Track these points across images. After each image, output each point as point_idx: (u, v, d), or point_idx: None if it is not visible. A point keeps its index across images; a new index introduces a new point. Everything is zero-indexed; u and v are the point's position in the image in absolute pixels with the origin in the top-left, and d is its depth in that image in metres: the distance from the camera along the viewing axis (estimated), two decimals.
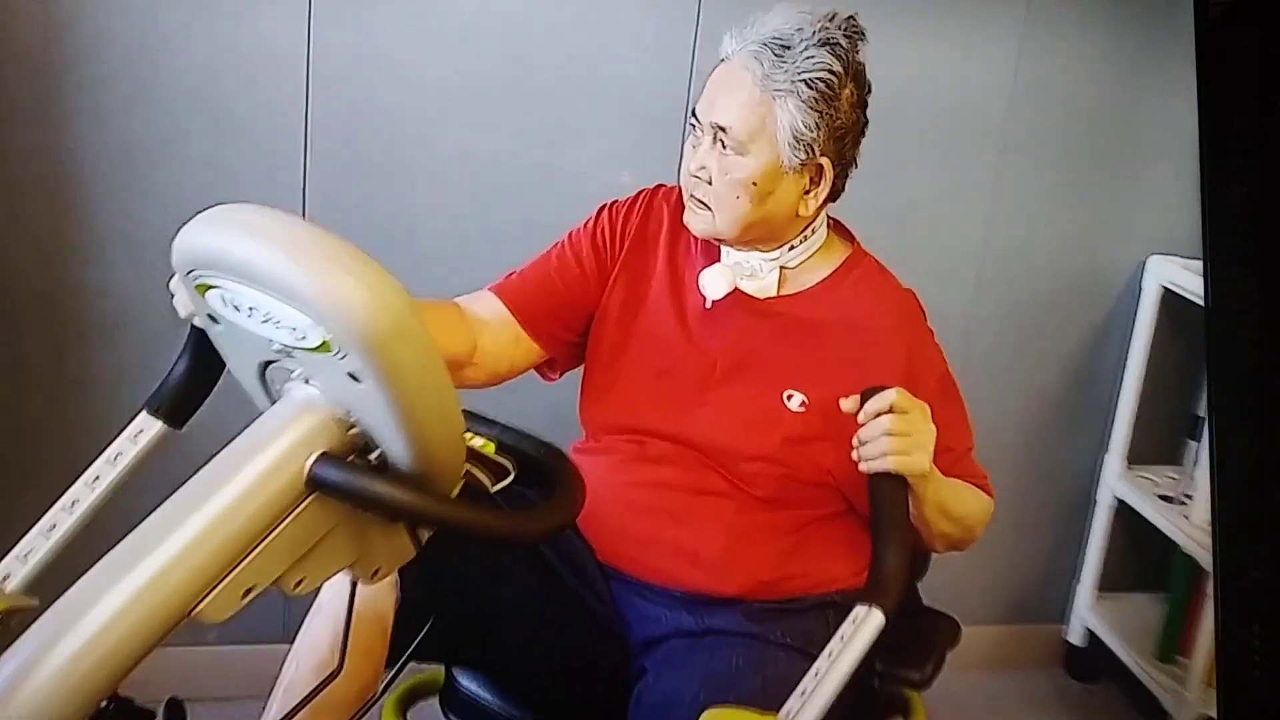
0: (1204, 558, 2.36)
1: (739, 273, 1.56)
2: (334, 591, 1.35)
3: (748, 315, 1.57)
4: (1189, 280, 2.42)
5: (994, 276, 2.51)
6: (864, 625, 1.24)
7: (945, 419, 1.46)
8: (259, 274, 0.85)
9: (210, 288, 0.91)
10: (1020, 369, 2.60)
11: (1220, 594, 1.13)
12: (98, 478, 1.20)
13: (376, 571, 1.03)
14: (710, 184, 1.50)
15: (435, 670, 1.69)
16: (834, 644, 1.22)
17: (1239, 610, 1.07)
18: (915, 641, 1.55)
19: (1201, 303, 2.31)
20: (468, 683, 1.61)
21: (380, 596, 1.38)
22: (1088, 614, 2.73)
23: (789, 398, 1.54)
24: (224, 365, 1.10)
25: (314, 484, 0.90)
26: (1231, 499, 1.05)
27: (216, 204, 0.90)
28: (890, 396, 1.37)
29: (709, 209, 1.52)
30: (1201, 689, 2.38)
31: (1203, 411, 2.52)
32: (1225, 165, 1.03)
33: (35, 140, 2.02)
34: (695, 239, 1.61)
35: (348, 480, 0.90)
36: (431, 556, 1.07)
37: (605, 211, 1.69)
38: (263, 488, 0.89)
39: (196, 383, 1.24)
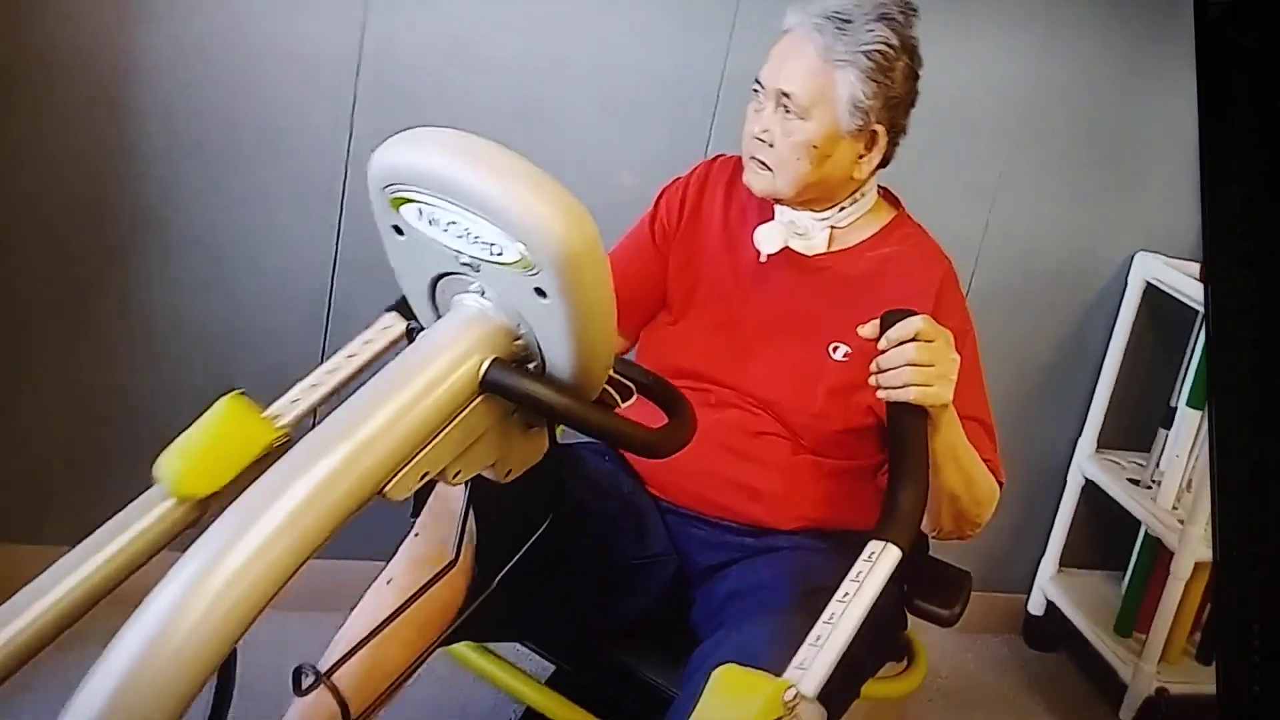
0: (1169, 539, 2.51)
1: (791, 231, 1.67)
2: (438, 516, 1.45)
3: (797, 272, 1.68)
4: (1172, 277, 2.56)
5: (988, 263, 2.62)
6: (880, 561, 1.24)
7: (972, 391, 1.55)
8: (471, 194, 0.94)
9: (407, 201, 1.01)
10: (1005, 352, 2.72)
11: (1220, 594, 1.17)
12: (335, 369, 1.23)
13: (509, 472, 1.14)
14: (772, 146, 1.61)
15: None
16: (848, 585, 1.22)
17: (1238, 610, 1.05)
18: (941, 584, 1.66)
19: (1183, 299, 2.48)
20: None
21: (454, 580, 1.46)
22: (1049, 586, 2.89)
23: (834, 349, 1.64)
24: None
25: (487, 385, 1.01)
26: (1231, 499, 1.02)
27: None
28: (916, 324, 1.37)
29: (770, 170, 1.62)
30: (1158, 663, 2.54)
31: (1175, 402, 2.67)
32: (1225, 165, 0.98)
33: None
34: (749, 202, 1.72)
35: (518, 383, 1.01)
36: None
37: (662, 197, 1.81)
38: (443, 386, 0.99)
39: None
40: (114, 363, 2.24)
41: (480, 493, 1.22)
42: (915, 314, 1.39)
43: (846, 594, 1.20)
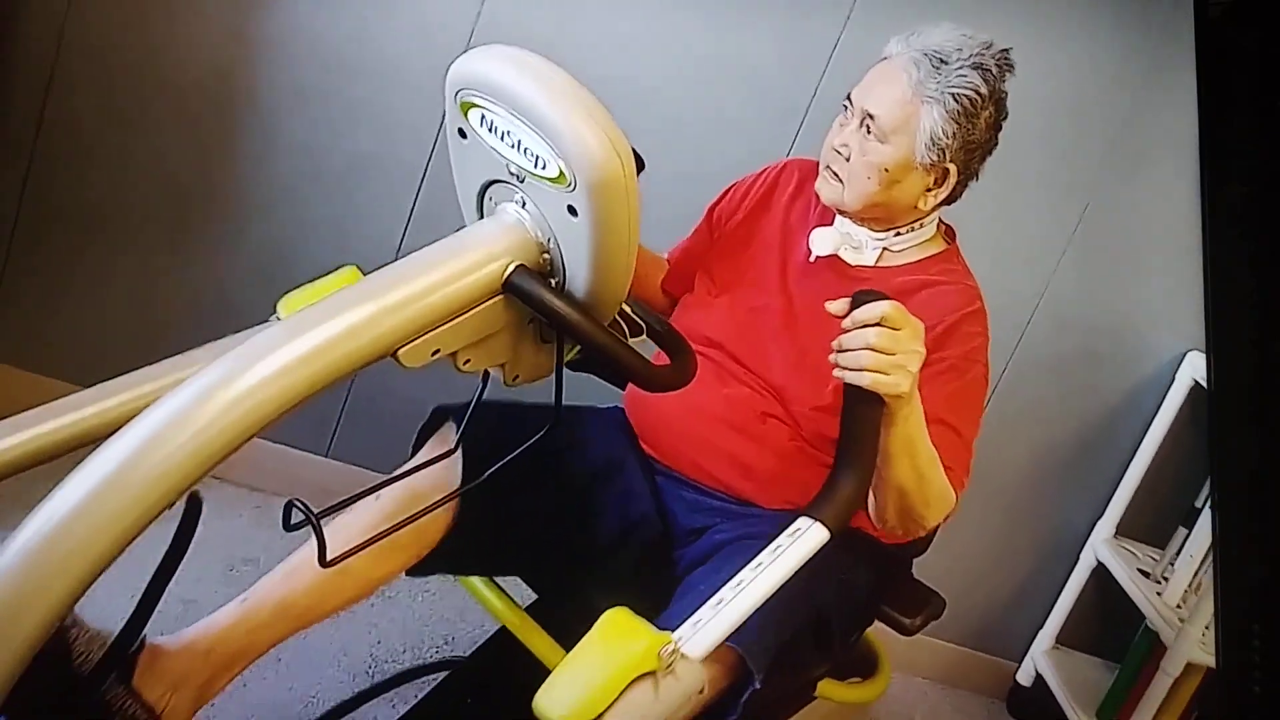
0: (1167, 634, 2.53)
1: (846, 242, 1.75)
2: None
3: (836, 277, 1.75)
4: None
5: (1040, 327, 2.66)
6: (804, 538, 1.27)
7: (954, 395, 1.60)
8: (526, 105, 1.05)
9: (474, 106, 1.11)
10: (1042, 418, 2.75)
11: (1220, 593, 1.12)
12: None
13: (516, 377, 1.23)
14: (848, 160, 1.69)
15: None
16: (765, 555, 1.24)
17: (1239, 609, 1.06)
18: (912, 597, 1.72)
19: None
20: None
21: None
22: (1041, 659, 2.91)
23: None
24: None
25: (508, 287, 1.11)
26: (1232, 496, 1.05)
27: None
28: (882, 308, 1.36)
29: (841, 182, 1.70)
30: None
31: (1199, 503, 2.69)
32: (1225, 165, 1.00)
33: None
34: (813, 205, 1.81)
35: (536, 290, 1.10)
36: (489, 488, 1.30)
37: (730, 189, 1.92)
38: (470, 276, 1.10)
39: None
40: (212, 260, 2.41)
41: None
42: (886, 301, 1.37)
43: (760, 563, 1.23)
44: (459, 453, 1.51)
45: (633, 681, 1.14)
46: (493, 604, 1.71)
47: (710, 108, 2.41)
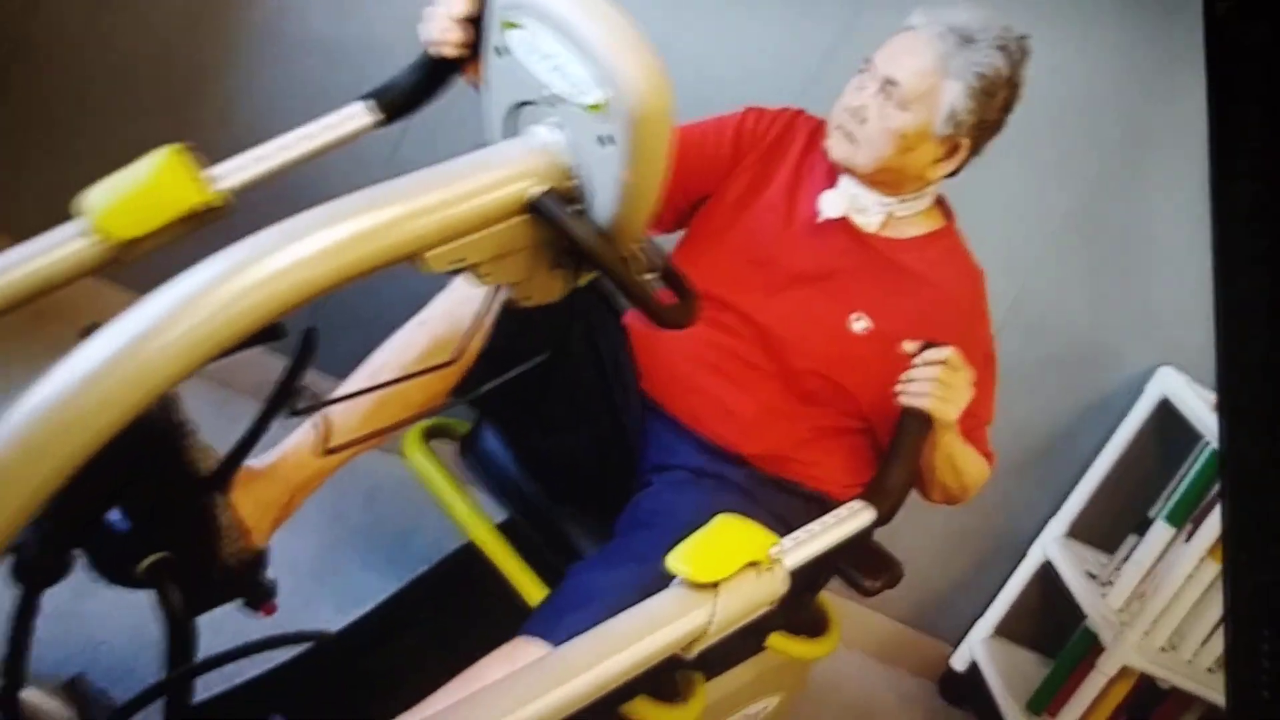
0: (1106, 635, 2.59)
1: (853, 204, 1.78)
2: (442, 309, 1.61)
3: (847, 240, 1.80)
4: (1189, 399, 2.62)
5: (1014, 328, 2.69)
6: (859, 515, 1.52)
7: (983, 391, 1.75)
8: (577, 31, 1.07)
9: (517, 26, 1.12)
10: (1010, 418, 2.78)
11: (1230, 597, 1.13)
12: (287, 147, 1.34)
13: (528, 297, 1.26)
14: (864, 123, 1.73)
15: (460, 421, 1.93)
16: (829, 517, 1.47)
17: (1248, 613, 1.07)
18: (873, 561, 1.77)
19: (1193, 422, 2.56)
20: (490, 441, 1.84)
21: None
22: (979, 646, 2.97)
23: (856, 319, 1.78)
24: (440, 88, 1.42)
25: (532, 208, 1.13)
26: (1241, 499, 1.06)
27: None
28: (948, 353, 1.64)
29: (854, 143, 1.74)
30: None
31: (1154, 514, 2.75)
32: (1234, 162, 1.00)
33: None
34: (819, 164, 1.84)
35: (560, 214, 1.13)
36: (517, 324, 1.35)
37: (750, 113, 1.92)
38: (497, 191, 1.12)
39: (419, 92, 1.45)
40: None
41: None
42: (949, 347, 1.64)
43: (825, 524, 1.47)
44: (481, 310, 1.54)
45: (746, 565, 1.30)
46: (464, 519, 1.73)
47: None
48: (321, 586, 2.19)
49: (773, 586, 1.35)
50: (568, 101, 1.11)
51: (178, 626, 1.32)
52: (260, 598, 1.46)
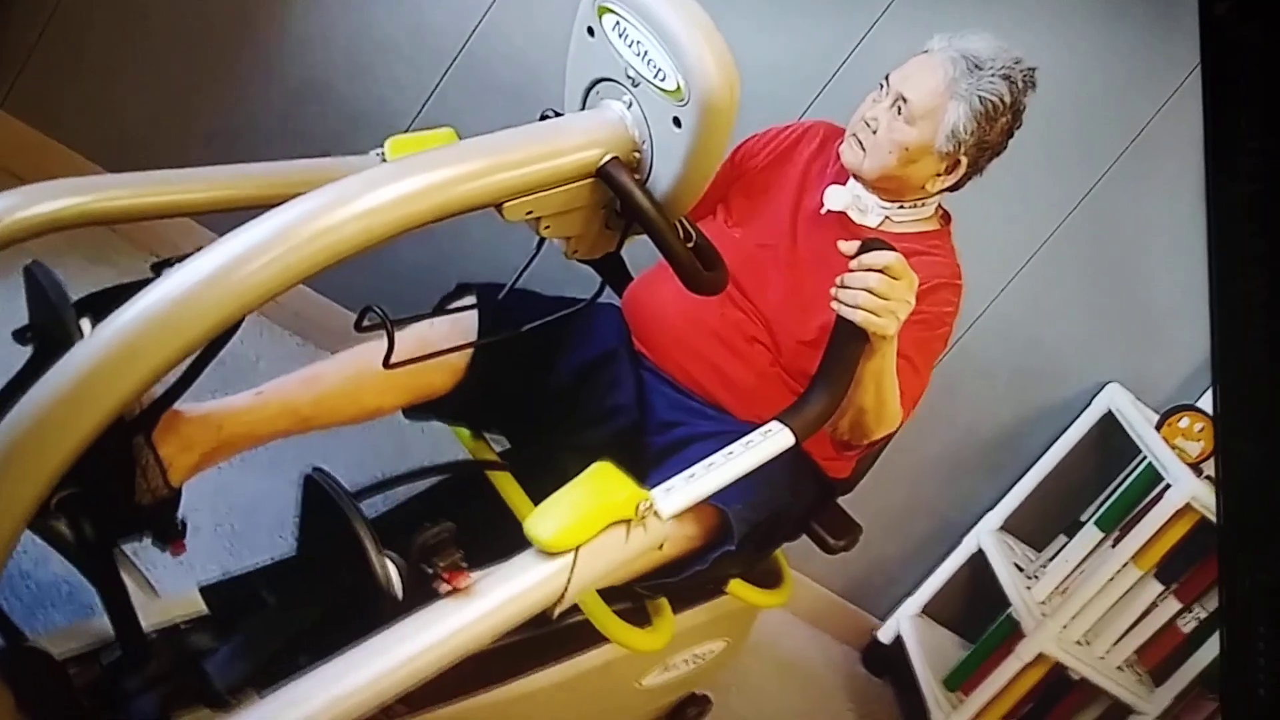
0: (1027, 623, 2.78)
1: (856, 203, 1.94)
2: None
3: (843, 232, 1.93)
4: (1133, 416, 2.80)
5: (984, 328, 2.85)
6: (774, 438, 1.47)
7: (919, 339, 1.83)
8: (665, 25, 1.21)
9: (610, 11, 1.26)
10: (963, 413, 2.96)
11: (1225, 596, 1.15)
12: None
13: (576, 251, 1.40)
14: (874, 133, 1.88)
15: None
16: (737, 446, 1.44)
17: (1243, 613, 1.07)
18: (838, 522, 1.93)
19: (1134, 438, 2.75)
20: None
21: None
22: (905, 622, 3.15)
23: None
24: None
25: (601, 173, 1.27)
26: (1236, 501, 1.07)
27: None
28: (887, 257, 1.54)
29: (864, 150, 1.89)
30: None
31: (1085, 518, 2.94)
32: (1231, 163, 1.00)
33: None
34: (831, 164, 1.99)
35: (625, 183, 1.27)
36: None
37: (754, 136, 2.09)
38: (571, 155, 1.27)
39: None
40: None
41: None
42: (893, 252, 1.56)
43: (732, 452, 1.43)
44: (475, 317, 1.72)
45: (610, 524, 1.29)
46: (471, 445, 1.87)
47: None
48: None
49: (649, 538, 1.35)
50: (647, 84, 1.24)
51: (86, 559, 1.36)
52: (169, 536, 1.47)
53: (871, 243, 1.57)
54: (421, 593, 1.14)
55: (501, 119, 1.30)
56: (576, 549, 1.26)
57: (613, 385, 1.89)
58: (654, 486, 1.38)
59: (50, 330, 1.25)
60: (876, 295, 1.53)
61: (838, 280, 1.57)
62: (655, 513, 1.33)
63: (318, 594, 1.25)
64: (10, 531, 1.03)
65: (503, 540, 1.28)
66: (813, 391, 1.56)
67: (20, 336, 1.32)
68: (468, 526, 1.73)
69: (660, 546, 1.39)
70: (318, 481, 1.19)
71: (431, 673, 1.17)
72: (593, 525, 1.27)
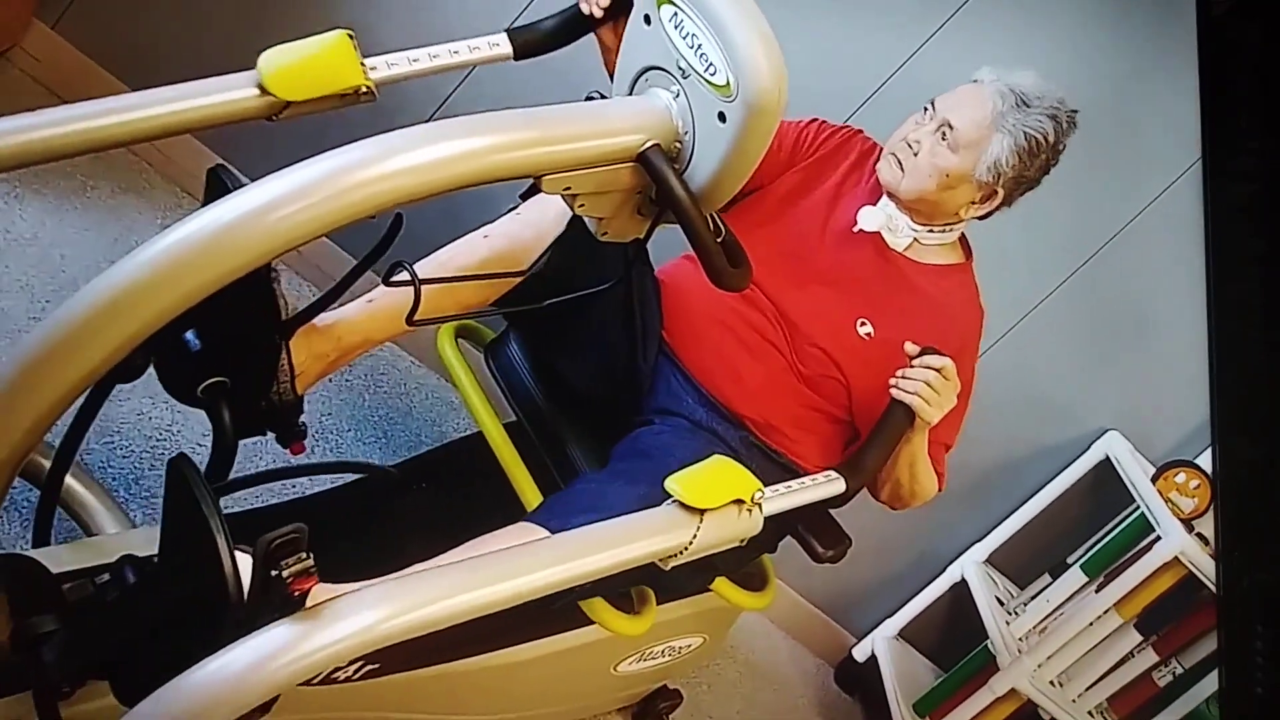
0: (1003, 658, 2.80)
1: (888, 223, 1.96)
2: (543, 209, 1.77)
3: (873, 252, 1.97)
4: (1130, 465, 2.82)
5: (994, 362, 2.83)
6: (832, 483, 1.72)
7: (953, 418, 1.91)
8: (723, 23, 1.23)
9: (669, 3, 1.28)
10: (964, 439, 2.96)
11: (1223, 596, 1.21)
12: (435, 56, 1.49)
13: (605, 233, 1.42)
14: (916, 155, 1.90)
15: (488, 329, 2.10)
16: (806, 479, 1.70)
17: (1241, 612, 1.11)
18: (828, 532, 1.95)
19: (1130, 487, 2.77)
20: (515, 348, 2.00)
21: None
22: (881, 643, 3.17)
23: (862, 323, 1.95)
24: (572, 40, 1.61)
25: (641, 158, 1.29)
26: (1234, 501, 1.11)
27: None
28: (945, 361, 1.80)
29: (903, 171, 1.91)
30: None
31: (1072, 560, 2.96)
32: (1228, 163, 1.02)
33: None
34: (866, 181, 2.01)
35: (664, 170, 1.29)
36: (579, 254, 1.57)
37: (813, 124, 2.09)
38: (614, 138, 1.29)
39: (555, 39, 1.63)
40: None
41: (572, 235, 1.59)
42: (947, 358, 1.80)
43: (803, 483, 1.68)
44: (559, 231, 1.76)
45: (732, 501, 1.48)
46: (477, 411, 1.89)
47: None
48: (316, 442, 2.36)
49: (749, 525, 1.51)
50: (696, 76, 1.26)
51: (222, 444, 1.47)
52: (293, 436, 1.61)
53: (930, 349, 1.83)
54: (270, 598, 1.14)
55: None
56: (704, 512, 1.44)
57: (641, 364, 1.94)
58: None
59: None
60: (930, 387, 1.78)
61: (900, 373, 1.82)
62: (759, 505, 1.52)
63: (168, 585, 1.26)
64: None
65: (395, 561, 1.35)
66: (865, 453, 1.81)
67: None
68: (359, 536, 1.80)
69: (743, 541, 1.53)
70: (179, 469, 1.19)
71: (552, 589, 1.31)
72: (723, 495, 1.46)
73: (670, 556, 1.44)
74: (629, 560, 1.39)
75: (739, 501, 1.48)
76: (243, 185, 1.17)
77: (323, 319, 1.62)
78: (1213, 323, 1.04)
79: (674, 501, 1.45)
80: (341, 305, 1.65)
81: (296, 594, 1.14)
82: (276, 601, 1.13)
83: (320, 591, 1.19)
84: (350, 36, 1.35)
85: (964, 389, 1.94)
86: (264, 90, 1.30)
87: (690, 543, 1.43)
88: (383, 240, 1.36)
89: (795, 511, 1.66)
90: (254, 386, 1.50)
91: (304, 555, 1.13)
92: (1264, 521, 1.04)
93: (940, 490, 2.04)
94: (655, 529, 1.43)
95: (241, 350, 1.46)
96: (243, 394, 1.48)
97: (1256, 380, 1.01)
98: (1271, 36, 0.93)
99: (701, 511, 1.45)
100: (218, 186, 1.31)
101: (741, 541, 1.52)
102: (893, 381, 1.81)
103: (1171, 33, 2.49)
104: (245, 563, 1.14)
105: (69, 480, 1.62)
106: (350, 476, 2.09)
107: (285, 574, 1.12)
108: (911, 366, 1.81)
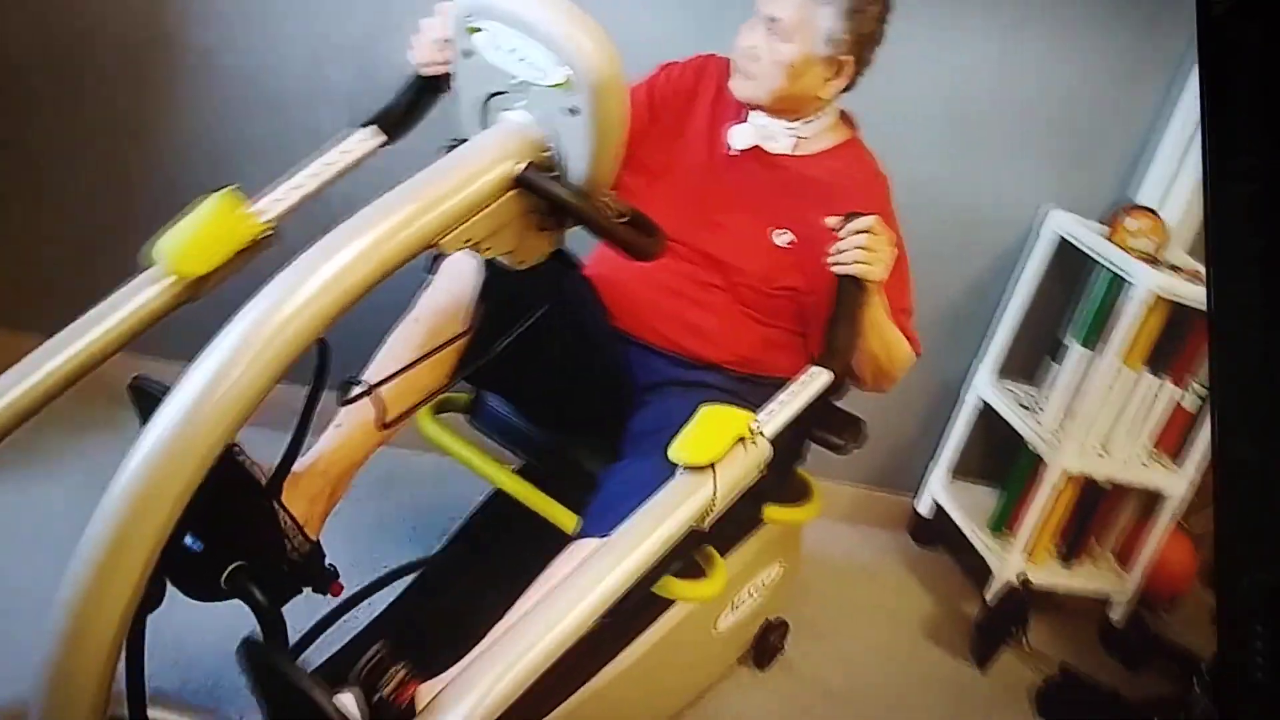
0: (1046, 452, 2.89)
1: (762, 134, 2.00)
2: (457, 271, 1.78)
3: (760, 166, 2.01)
4: (1080, 232, 2.90)
5: (912, 208, 2.91)
6: (817, 378, 1.72)
7: (900, 281, 1.95)
8: (534, 24, 1.27)
9: (479, 30, 1.32)
10: (926, 279, 3.03)
11: (1223, 593, 1.17)
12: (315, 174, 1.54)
13: (521, 261, 1.46)
14: (757, 61, 1.94)
15: (460, 394, 2.13)
16: (793, 386, 1.70)
17: (1241, 609, 1.07)
18: (840, 423, 2.00)
19: (1087, 250, 2.84)
20: (491, 401, 2.04)
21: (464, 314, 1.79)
22: (939, 491, 3.26)
23: (779, 234, 2.00)
24: (432, 104, 1.62)
25: (520, 182, 1.33)
26: (1233, 499, 1.06)
27: None
28: (869, 221, 1.81)
29: (752, 79, 1.95)
30: (1021, 555, 2.95)
31: (1064, 337, 3.03)
32: (1229, 164, 0.99)
33: None
34: (731, 103, 2.05)
35: (544, 184, 1.33)
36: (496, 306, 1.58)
37: (663, 70, 2.13)
38: (487, 174, 1.32)
39: (415, 110, 1.66)
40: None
41: (492, 280, 1.59)
42: (871, 215, 1.80)
43: (791, 392, 1.68)
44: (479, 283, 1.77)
45: (734, 442, 1.52)
46: (488, 471, 1.94)
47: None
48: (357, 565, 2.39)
49: (758, 454, 1.56)
50: (534, 85, 1.30)
51: (268, 620, 1.45)
52: (326, 582, 1.58)
53: (853, 214, 1.82)
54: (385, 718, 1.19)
55: None
56: (713, 464, 1.49)
57: (607, 360, 1.99)
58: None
59: None
60: (866, 250, 1.78)
61: (832, 249, 1.81)
62: (760, 433, 1.56)
63: None
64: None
65: (478, 633, 1.43)
66: (833, 336, 1.80)
67: None
68: (437, 628, 1.84)
69: (761, 468, 1.57)
70: (250, 653, 1.25)
71: (618, 592, 1.36)
72: (723, 442, 1.51)
73: (704, 515, 1.49)
74: (669, 537, 1.44)
75: (740, 440, 1.53)
76: (166, 389, 1.18)
77: (302, 463, 1.63)
78: (1213, 322, 1.06)
79: (683, 468, 1.50)
80: (312, 440, 1.67)
81: (404, 704, 1.19)
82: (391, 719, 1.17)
83: (425, 691, 1.23)
84: (235, 190, 1.38)
85: (903, 254, 1.98)
86: (173, 276, 1.33)
87: (714, 497, 1.48)
88: (318, 370, 1.35)
89: (800, 418, 1.71)
90: (269, 555, 1.49)
91: (395, 669, 1.17)
92: (1264, 521, 1.05)
93: (918, 354, 2.08)
94: (678, 499, 1.47)
95: (241, 529, 1.46)
96: (262, 567, 1.47)
97: (1256, 380, 1.01)
98: (1271, 36, 0.94)
99: (711, 465, 1.50)
100: (145, 399, 1.32)
101: (761, 469, 1.57)
102: (830, 260, 1.82)
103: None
104: (349, 701, 1.19)
105: (153, 716, 1.64)
106: (401, 584, 2.12)
107: (385, 693, 1.17)
108: (839, 238, 1.81)
